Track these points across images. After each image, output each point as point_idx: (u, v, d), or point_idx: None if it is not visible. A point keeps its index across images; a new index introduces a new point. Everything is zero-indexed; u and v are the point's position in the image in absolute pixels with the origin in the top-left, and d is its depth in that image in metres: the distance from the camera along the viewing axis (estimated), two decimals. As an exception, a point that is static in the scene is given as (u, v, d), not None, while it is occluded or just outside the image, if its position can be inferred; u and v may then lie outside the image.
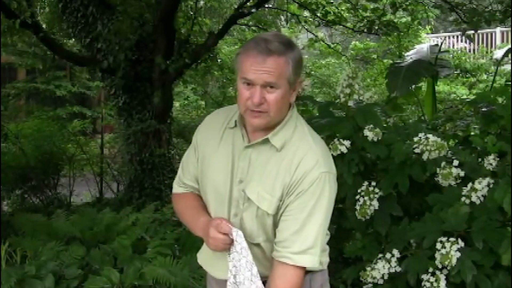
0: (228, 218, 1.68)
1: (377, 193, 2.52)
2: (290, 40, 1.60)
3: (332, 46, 9.86)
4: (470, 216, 2.39)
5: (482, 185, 2.38)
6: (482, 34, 12.89)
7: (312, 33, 9.33)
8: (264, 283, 1.63)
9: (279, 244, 1.61)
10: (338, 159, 2.51)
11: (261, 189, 1.62)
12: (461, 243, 2.28)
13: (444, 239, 2.31)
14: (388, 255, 2.46)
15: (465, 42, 12.16)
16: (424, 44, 6.24)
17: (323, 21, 7.65)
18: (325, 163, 1.61)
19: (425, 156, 2.47)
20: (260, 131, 1.64)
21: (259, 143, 1.65)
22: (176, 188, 1.86)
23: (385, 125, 2.96)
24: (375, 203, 2.51)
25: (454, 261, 2.25)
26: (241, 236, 1.62)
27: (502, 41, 12.91)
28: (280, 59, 1.53)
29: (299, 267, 1.59)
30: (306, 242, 1.58)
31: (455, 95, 9.32)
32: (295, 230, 1.58)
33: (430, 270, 2.35)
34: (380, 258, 2.47)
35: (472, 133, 2.95)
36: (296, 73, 1.58)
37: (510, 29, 10.82)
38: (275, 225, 1.65)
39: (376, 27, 7.23)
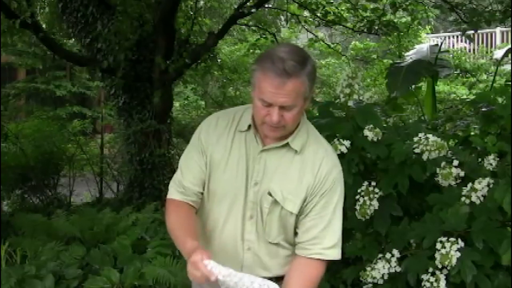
0: (243, 220, 1.71)
1: (377, 193, 2.52)
2: (304, 55, 1.61)
3: (332, 46, 9.86)
4: (470, 216, 2.39)
5: (482, 185, 2.38)
6: (482, 34, 12.87)
7: (312, 33, 9.34)
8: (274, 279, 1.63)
9: (308, 242, 1.69)
10: (338, 159, 2.51)
11: (285, 190, 1.67)
12: (461, 243, 2.28)
13: (444, 239, 2.31)
14: (388, 255, 2.46)
15: (465, 42, 12.15)
16: (424, 44, 6.25)
17: (323, 21, 7.65)
18: (338, 163, 1.78)
19: (425, 156, 2.46)
20: None
21: (277, 148, 1.69)
22: (174, 194, 1.79)
23: (385, 125, 2.95)
24: (375, 203, 2.51)
25: (454, 261, 2.25)
26: (230, 273, 1.53)
27: (502, 41, 12.90)
28: (297, 81, 1.56)
29: (327, 260, 1.70)
30: (334, 236, 1.71)
31: (455, 95, 9.32)
32: (323, 227, 1.69)
33: (430, 270, 2.35)
34: (380, 258, 2.47)
35: (472, 133, 2.95)
36: (311, 88, 1.62)
37: (510, 29, 10.83)
38: (295, 224, 1.72)
39: (376, 27, 7.24)
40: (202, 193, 1.76)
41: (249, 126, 1.71)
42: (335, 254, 1.71)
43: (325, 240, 1.69)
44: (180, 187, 1.77)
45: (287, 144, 1.69)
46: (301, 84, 1.57)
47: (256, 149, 1.70)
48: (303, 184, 1.68)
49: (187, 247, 1.62)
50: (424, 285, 2.33)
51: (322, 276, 1.71)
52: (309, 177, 1.68)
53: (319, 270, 1.70)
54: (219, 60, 7.81)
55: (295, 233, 1.74)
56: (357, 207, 2.52)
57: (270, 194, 1.67)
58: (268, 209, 1.69)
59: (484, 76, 10.31)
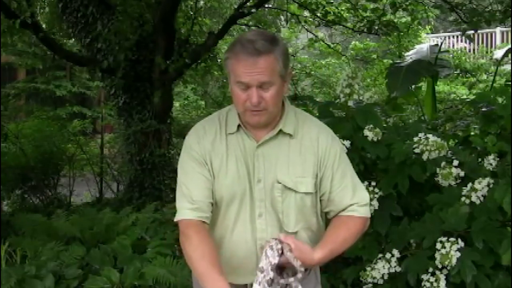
0: (252, 220, 1.69)
1: (377, 193, 2.53)
2: (273, 36, 1.66)
3: (332, 46, 9.86)
4: (470, 216, 2.39)
5: (482, 185, 2.38)
6: (482, 34, 12.87)
7: (312, 33, 9.34)
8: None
9: (347, 207, 1.74)
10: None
11: (293, 175, 1.68)
12: (461, 243, 2.28)
13: (444, 239, 2.31)
14: (388, 255, 2.46)
15: (465, 42, 12.15)
16: (424, 44, 6.25)
17: (323, 21, 7.65)
18: (333, 134, 1.80)
19: (425, 156, 2.47)
20: (263, 128, 1.69)
21: (272, 138, 1.69)
22: (186, 213, 1.66)
23: (385, 125, 2.96)
24: (375, 203, 2.51)
25: (454, 261, 2.25)
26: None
27: (502, 41, 12.90)
28: (270, 57, 1.58)
29: (364, 219, 1.76)
30: (365, 196, 1.77)
31: (455, 95, 9.31)
32: (351, 194, 1.73)
33: (430, 270, 2.35)
34: (380, 258, 2.48)
35: (472, 133, 2.95)
36: (286, 66, 1.63)
37: (510, 29, 10.83)
38: (314, 206, 1.72)
39: (376, 27, 7.23)
40: (212, 204, 1.70)
41: (238, 126, 1.70)
42: (368, 212, 1.78)
43: (360, 201, 1.75)
44: (192, 203, 1.66)
45: (280, 132, 1.69)
46: (274, 60, 1.58)
47: (252, 146, 1.69)
48: (307, 163, 1.69)
49: (219, 285, 1.53)
50: (424, 285, 2.33)
51: (360, 234, 1.76)
52: (311, 156, 1.70)
53: (357, 227, 1.74)
54: (219, 60, 7.79)
55: (322, 215, 1.77)
56: (357, 207, 2.52)
57: (279, 183, 1.68)
58: (281, 197, 1.68)
59: (484, 76, 10.31)
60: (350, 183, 1.74)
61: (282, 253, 1.54)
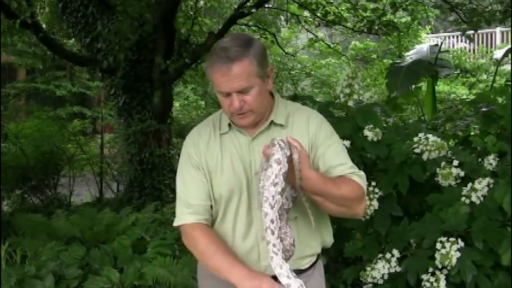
0: (251, 211, 1.71)
1: (377, 193, 2.53)
2: (247, 38, 1.67)
3: (332, 46, 9.87)
4: (470, 216, 2.39)
5: (482, 185, 2.38)
6: (482, 34, 12.87)
7: (312, 33, 9.34)
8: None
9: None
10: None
11: None
12: (461, 243, 2.28)
13: (444, 239, 2.31)
14: (388, 255, 2.46)
15: (465, 42, 12.15)
16: (424, 44, 6.25)
17: (323, 21, 7.66)
18: (324, 118, 1.82)
19: (425, 156, 2.47)
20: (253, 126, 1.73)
21: (264, 130, 1.72)
22: (186, 217, 1.71)
23: (385, 125, 2.96)
24: (375, 203, 2.51)
25: (454, 261, 2.25)
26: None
27: (502, 41, 12.90)
28: (243, 62, 1.60)
29: (361, 186, 1.71)
30: (361, 172, 1.74)
31: (455, 95, 9.32)
32: (348, 165, 1.72)
33: (430, 270, 2.35)
34: (380, 258, 2.48)
35: (472, 133, 2.95)
36: (263, 66, 1.65)
37: (510, 29, 10.83)
38: None
39: (376, 27, 7.24)
40: (212, 207, 1.74)
41: (230, 125, 1.74)
42: (365, 187, 1.73)
43: (355, 172, 1.72)
44: (188, 207, 1.72)
45: (271, 123, 1.73)
46: (249, 65, 1.60)
47: (246, 141, 1.73)
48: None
49: (239, 269, 1.55)
50: (424, 285, 2.33)
51: (354, 199, 1.68)
52: (303, 138, 1.70)
53: (354, 187, 1.67)
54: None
55: None
56: (357, 207, 2.51)
57: None
58: None
59: (484, 76, 10.31)
60: (345, 161, 1.72)
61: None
